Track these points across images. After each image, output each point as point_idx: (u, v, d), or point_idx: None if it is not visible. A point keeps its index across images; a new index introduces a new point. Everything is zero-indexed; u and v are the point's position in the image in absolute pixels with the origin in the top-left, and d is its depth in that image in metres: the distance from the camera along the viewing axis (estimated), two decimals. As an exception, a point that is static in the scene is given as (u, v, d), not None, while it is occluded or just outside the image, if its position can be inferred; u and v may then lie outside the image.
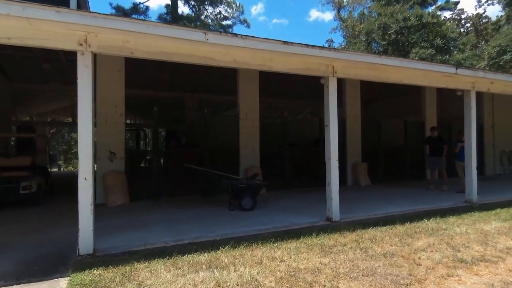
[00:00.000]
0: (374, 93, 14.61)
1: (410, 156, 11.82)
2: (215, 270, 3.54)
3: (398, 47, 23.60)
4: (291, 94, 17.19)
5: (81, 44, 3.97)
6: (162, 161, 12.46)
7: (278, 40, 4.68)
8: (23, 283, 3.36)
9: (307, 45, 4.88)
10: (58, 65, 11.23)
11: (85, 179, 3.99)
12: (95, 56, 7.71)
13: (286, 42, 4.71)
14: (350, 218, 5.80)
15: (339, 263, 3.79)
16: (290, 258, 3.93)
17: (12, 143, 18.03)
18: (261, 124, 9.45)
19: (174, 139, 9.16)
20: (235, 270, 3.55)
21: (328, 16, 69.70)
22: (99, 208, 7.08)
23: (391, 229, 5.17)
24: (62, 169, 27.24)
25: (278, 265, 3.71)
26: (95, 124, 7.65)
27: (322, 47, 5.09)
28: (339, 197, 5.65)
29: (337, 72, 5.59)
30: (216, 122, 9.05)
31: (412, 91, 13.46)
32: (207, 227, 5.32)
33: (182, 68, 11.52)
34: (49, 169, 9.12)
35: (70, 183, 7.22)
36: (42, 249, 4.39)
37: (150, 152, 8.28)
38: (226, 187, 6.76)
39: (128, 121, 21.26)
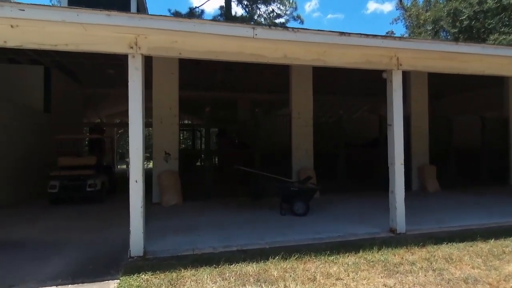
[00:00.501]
0: (442, 87, 13.08)
1: (489, 158, 10.28)
2: (263, 285, 3.25)
3: (472, 35, 21.00)
4: (347, 91, 16.28)
5: (131, 47, 3.98)
6: (216, 160, 12.65)
7: (333, 31, 4.22)
8: (77, 283, 3.43)
9: (366, 35, 4.34)
10: (121, 70, 12.01)
11: (136, 181, 4.00)
12: (151, 59, 8.03)
13: (343, 32, 4.23)
14: (417, 230, 5.09)
15: (407, 286, 3.24)
16: (348, 276, 3.47)
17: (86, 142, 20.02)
18: (315, 123, 8.96)
19: (224, 137, 9.09)
20: (285, 286, 3.22)
21: (388, 7, 65.33)
22: (155, 207, 7.32)
23: (471, 246, 4.38)
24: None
25: (334, 283, 3.30)
26: (151, 125, 8.00)
27: (385, 36, 4.50)
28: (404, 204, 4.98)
29: (402, 65, 4.92)
30: (267, 122, 8.81)
31: (491, 84, 11.76)
32: (256, 233, 5.07)
33: (234, 68, 11.50)
34: (113, 168, 9.73)
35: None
36: (98, 248, 4.53)
37: (202, 152, 8.33)
38: (277, 190, 6.45)
39: (185, 122, 22.20)
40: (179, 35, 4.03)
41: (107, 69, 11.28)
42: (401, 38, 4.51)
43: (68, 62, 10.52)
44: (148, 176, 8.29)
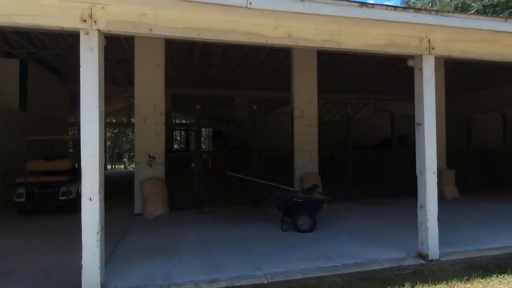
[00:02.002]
0: (455, 82, 12.09)
1: (512, 160, 9.30)
2: None
3: (481, 30, 20.05)
4: (351, 89, 15.32)
5: (84, 20, 2.98)
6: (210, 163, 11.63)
7: (352, 2, 3.23)
8: None
9: (394, 7, 3.35)
10: (106, 63, 10.96)
11: (90, 199, 3.00)
12: (132, 47, 7.03)
13: (364, 3, 3.24)
14: (452, 254, 4.11)
15: None
16: (378, 335, 2.49)
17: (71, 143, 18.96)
18: (319, 122, 7.97)
19: (218, 137, 8.08)
20: None
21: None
22: (136, 219, 6.33)
23: (529, 280, 3.39)
24: (126, 166, 28.51)
25: None
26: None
27: (418, 9, 3.50)
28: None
29: (434, 48, 3.94)
30: (266, 121, 7.84)
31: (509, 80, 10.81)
32: (252, 259, 4.08)
33: (229, 62, 10.52)
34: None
35: (124, 184, 6.68)
36: (49, 279, 3.54)
37: (193, 155, 7.34)
38: (277, 201, 5.45)
39: (180, 121, 21.20)
40: (149, 4, 3.04)
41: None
42: (437, 12, 3.52)
43: (45, 54, 9.50)
44: (130, 182, 7.33)
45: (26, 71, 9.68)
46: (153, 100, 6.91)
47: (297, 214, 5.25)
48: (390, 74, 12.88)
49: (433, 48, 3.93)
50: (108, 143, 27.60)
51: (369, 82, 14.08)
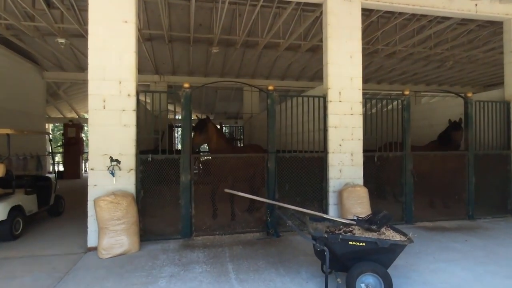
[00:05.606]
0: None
1: None
2: None
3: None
4: (382, 76, 12.78)
5: None
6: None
7: None
8: None
9: None
10: (74, 41, 8.69)
11: None
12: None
13: None
14: None
15: None
16: None
17: (60, 143, 16.89)
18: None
19: (200, 129, 5.31)
20: None
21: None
22: (86, 259, 3.98)
23: None
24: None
25: None
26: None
27: None
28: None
29: None
30: (287, 109, 5.42)
31: None
32: None
33: (236, 39, 8.15)
34: (51, 180, 6.39)
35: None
36: None
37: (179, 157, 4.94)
38: (315, 244, 3.00)
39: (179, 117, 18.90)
40: None
41: (57, 39, 7.98)
42: None
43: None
44: (83, 195, 4.89)
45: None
46: (117, 74, 4.54)
47: (356, 269, 2.80)
48: (435, 56, 10.33)
49: None
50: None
51: (407, 67, 11.52)
